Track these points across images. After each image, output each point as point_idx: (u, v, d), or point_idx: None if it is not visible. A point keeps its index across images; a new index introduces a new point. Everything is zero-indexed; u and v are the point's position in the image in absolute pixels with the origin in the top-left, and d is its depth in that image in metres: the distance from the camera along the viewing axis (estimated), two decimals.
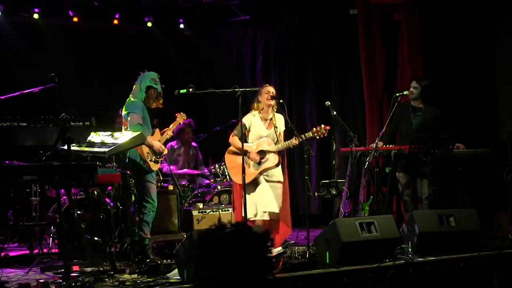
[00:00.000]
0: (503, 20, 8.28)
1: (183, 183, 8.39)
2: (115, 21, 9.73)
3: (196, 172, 8.72)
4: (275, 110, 6.67)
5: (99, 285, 5.20)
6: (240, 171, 6.20)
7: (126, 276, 5.59)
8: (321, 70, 9.71)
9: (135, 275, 5.60)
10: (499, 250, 6.20)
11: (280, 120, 6.68)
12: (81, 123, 5.38)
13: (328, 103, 6.72)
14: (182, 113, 7.18)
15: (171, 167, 8.16)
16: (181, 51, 10.36)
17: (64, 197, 6.74)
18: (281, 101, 6.57)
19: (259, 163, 6.51)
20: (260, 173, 6.54)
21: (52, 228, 6.92)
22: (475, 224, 6.27)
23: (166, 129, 6.90)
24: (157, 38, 10.19)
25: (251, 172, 6.50)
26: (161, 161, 6.72)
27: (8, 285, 5.32)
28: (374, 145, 7.03)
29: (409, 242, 6.17)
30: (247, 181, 6.28)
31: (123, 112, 6.54)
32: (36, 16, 9.16)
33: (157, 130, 6.71)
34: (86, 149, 5.94)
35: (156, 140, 6.59)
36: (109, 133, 6.07)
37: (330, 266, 5.59)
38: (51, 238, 6.94)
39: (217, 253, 4.64)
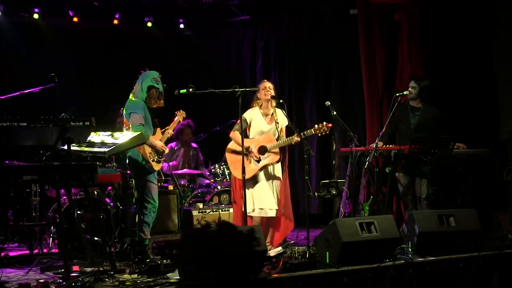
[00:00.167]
0: (503, 20, 8.28)
1: (183, 183, 8.40)
2: (115, 21, 9.74)
3: (196, 172, 8.73)
4: (275, 105, 6.68)
5: (99, 285, 5.20)
6: (241, 166, 6.21)
7: (126, 276, 5.58)
8: (321, 70, 9.71)
9: (135, 275, 5.59)
10: (499, 250, 6.20)
11: (281, 116, 6.69)
12: (81, 123, 5.38)
13: (328, 103, 6.73)
14: (181, 110, 7.17)
15: (171, 163, 8.17)
16: (181, 51, 10.36)
17: (64, 197, 6.75)
18: (281, 101, 6.57)
19: (258, 161, 6.52)
20: (260, 169, 6.55)
21: (52, 228, 6.92)
22: (475, 224, 6.27)
23: (167, 127, 6.91)
24: (157, 38, 10.19)
25: (252, 168, 6.52)
26: (163, 161, 6.72)
27: (8, 285, 5.31)
28: (374, 145, 7.03)
29: (409, 242, 6.17)
30: (247, 176, 6.29)
31: (125, 112, 6.52)
32: (36, 16, 9.16)
33: (158, 130, 6.71)
34: (86, 149, 5.94)
35: (157, 140, 6.59)
36: (109, 133, 6.07)
37: (330, 266, 5.59)
38: (51, 238, 6.94)
39: (202, 252, 4.63)
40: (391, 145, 7.22)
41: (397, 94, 7.24)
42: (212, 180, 8.45)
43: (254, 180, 6.54)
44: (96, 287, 5.15)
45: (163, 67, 6.74)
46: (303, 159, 6.44)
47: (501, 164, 7.49)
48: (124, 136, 5.95)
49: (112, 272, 5.51)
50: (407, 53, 8.23)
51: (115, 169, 6.94)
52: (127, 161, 6.47)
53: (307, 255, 6.06)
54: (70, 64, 9.30)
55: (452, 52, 8.20)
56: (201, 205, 7.93)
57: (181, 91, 6.44)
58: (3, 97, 5.80)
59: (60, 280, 5.33)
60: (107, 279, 5.35)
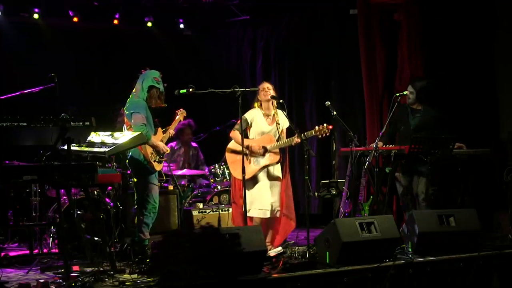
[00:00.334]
0: (503, 20, 8.28)
1: (183, 183, 8.40)
2: (115, 21, 9.73)
3: (196, 172, 8.73)
4: (276, 106, 6.68)
5: (99, 285, 5.20)
6: (241, 166, 6.21)
7: (126, 276, 5.58)
8: (321, 70, 9.71)
9: (135, 275, 5.59)
10: (499, 250, 6.20)
11: (282, 117, 6.69)
12: (81, 123, 5.38)
13: (328, 103, 6.72)
14: (182, 109, 7.17)
15: (171, 165, 8.17)
16: (181, 51, 10.36)
17: (64, 197, 6.75)
18: (281, 101, 6.58)
19: (263, 155, 6.51)
20: (260, 170, 6.55)
21: (52, 228, 6.92)
22: (475, 224, 6.27)
23: (168, 127, 6.90)
24: (157, 38, 10.19)
25: (252, 168, 6.52)
26: (164, 161, 6.72)
27: (8, 285, 5.31)
28: (374, 145, 7.03)
29: (409, 242, 6.17)
30: (247, 176, 6.29)
31: (126, 112, 6.51)
32: (36, 16, 9.16)
33: (159, 130, 6.71)
34: (86, 149, 5.94)
35: (158, 139, 6.58)
36: (109, 133, 6.07)
37: (330, 266, 5.59)
38: (51, 238, 6.94)
39: (185, 253, 4.63)
40: (391, 145, 7.22)
41: (397, 94, 7.24)
42: (212, 180, 8.45)
43: (254, 181, 6.54)
44: (96, 287, 5.15)
45: (163, 67, 6.74)
46: (303, 159, 6.44)
47: (501, 164, 7.49)
48: (124, 136, 5.96)
49: (112, 272, 5.51)
50: (407, 53, 8.22)
51: (115, 169, 6.94)
52: (127, 161, 6.48)
53: (307, 255, 6.06)
54: (70, 64, 9.30)
55: (452, 52, 8.21)
56: (201, 205, 7.93)
57: (181, 91, 6.44)
58: (3, 97, 5.80)
59: (60, 280, 5.33)
60: (107, 279, 5.35)
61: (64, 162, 5.51)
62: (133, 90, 6.60)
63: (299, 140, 6.36)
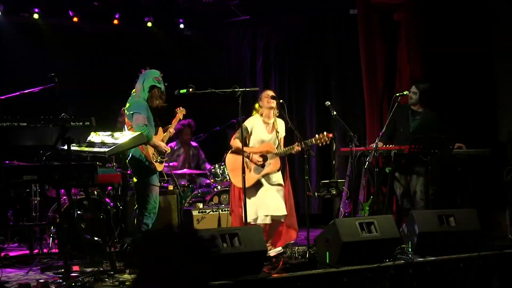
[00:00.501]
0: (502, 20, 8.28)
1: (183, 183, 8.40)
2: (115, 21, 9.73)
3: (196, 172, 8.73)
4: (277, 114, 6.66)
5: (99, 285, 5.20)
6: (240, 174, 6.19)
7: (126, 276, 5.58)
8: (321, 70, 9.72)
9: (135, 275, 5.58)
10: (499, 250, 6.20)
11: (281, 125, 6.68)
12: (81, 123, 5.38)
13: (328, 103, 6.72)
14: (181, 107, 7.16)
15: (171, 164, 8.16)
16: (181, 51, 10.36)
17: (64, 197, 6.74)
18: (281, 101, 6.57)
19: (262, 166, 6.50)
20: (261, 178, 6.52)
21: (52, 228, 6.92)
22: (475, 224, 6.27)
23: (168, 126, 6.90)
24: (157, 38, 10.19)
25: (252, 176, 6.49)
26: (165, 161, 6.71)
27: (8, 285, 5.31)
28: (374, 145, 7.03)
29: (409, 242, 6.17)
30: (248, 184, 6.26)
31: (127, 112, 6.49)
32: (36, 16, 9.15)
33: (160, 129, 6.69)
34: (86, 149, 5.93)
35: (159, 139, 6.57)
36: (109, 133, 6.06)
37: (330, 266, 5.59)
38: (51, 238, 6.95)
39: (161, 254, 4.57)
40: (391, 145, 7.22)
41: (397, 94, 7.24)
42: (212, 180, 8.45)
43: (255, 188, 6.49)
44: (96, 287, 5.15)
45: (163, 67, 6.73)
46: (303, 159, 6.43)
47: (501, 164, 7.49)
48: (124, 136, 5.95)
49: (112, 272, 5.51)
50: (406, 53, 8.23)
51: (115, 169, 6.94)
52: (128, 161, 6.47)
53: (307, 255, 6.06)
54: (70, 64, 9.29)
55: (451, 52, 8.20)
56: (201, 205, 7.92)
57: (181, 91, 6.43)
58: (3, 97, 5.80)
59: (60, 280, 5.33)
60: (107, 279, 5.35)
61: (64, 162, 5.51)
62: (133, 90, 6.59)
63: (299, 148, 6.35)
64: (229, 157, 6.72)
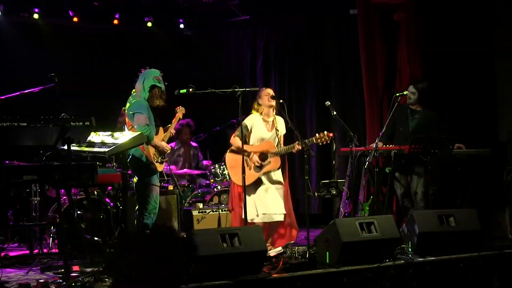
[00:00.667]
0: (503, 20, 8.28)
1: (183, 183, 8.40)
2: (115, 21, 9.73)
3: (196, 172, 8.73)
4: (275, 112, 6.67)
5: (99, 285, 5.20)
6: (240, 171, 6.20)
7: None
8: (321, 70, 9.72)
9: None
10: (499, 250, 6.19)
11: (281, 123, 6.68)
12: (81, 123, 5.38)
13: (328, 103, 6.72)
14: (181, 107, 7.14)
15: (171, 166, 8.16)
16: (181, 51, 10.36)
17: (64, 197, 6.74)
18: (281, 101, 6.57)
19: (261, 166, 6.50)
20: (261, 176, 6.52)
21: (52, 228, 6.92)
22: (475, 224, 6.27)
23: (168, 126, 6.89)
24: (157, 38, 10.19)
25: (252, 174, 6.49)
26: (165, 161, 6.71)
27: (8, 285, 5.31)
28: (374, 145, 7.03)
29: (409, 242, 6.16)
30: (248, 182, 6.27)
31: (128, 112, 6.48)
32: (36, 16, 9.16)
33: (160, 129, 6.69)
34: (86, 149, 5.93)
35: (160, 139, 6.57)
36: (109, 133, 6.06)
37: (330, 266, 5.59)
38: (51, 238, 6.95)
39: (136, 255, 4.55)
40: (391, 145, 7.22)
41: (397, 94, 7.24)
42: (212, 180, 8.45)
43: (255, 186, 6.48)
44: (96, 287, 5.15)
45: (163, 67, 6.73)
46: (303, 159, 6.43)
47: (501, 164, 7.49)
48: (124, 136, 5.94)
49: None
50: (406, 53, 8.23)
51: (115, 169, 6.94)
52: (128, 161, 6.46)
53: (307, 255, 6.06)
54: (70, 64, 9.29)
55: (451, 52, 8.20)
56: (201, 205, 7.93)
57: (181, 91, 6.43)
58: (3, 97, 5.80)
59: (60, 280, 5.33)
60: (107, 279, 5.35)
61: (64, 162, 5.51)
62: (133, 90, 6.58)
63: (300, 147, 6.35)
64: (229, 155, 6.72)
